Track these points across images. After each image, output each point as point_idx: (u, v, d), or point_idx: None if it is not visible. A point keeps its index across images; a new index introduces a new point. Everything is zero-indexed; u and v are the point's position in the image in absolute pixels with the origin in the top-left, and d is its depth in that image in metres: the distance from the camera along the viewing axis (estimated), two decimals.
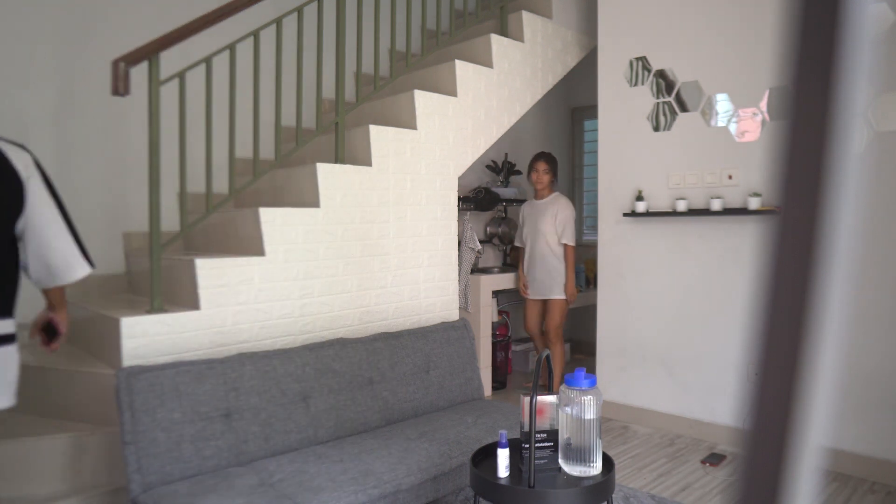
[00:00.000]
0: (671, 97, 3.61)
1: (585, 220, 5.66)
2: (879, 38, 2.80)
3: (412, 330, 3.02)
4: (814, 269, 0.25)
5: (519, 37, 3.90)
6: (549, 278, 4.08)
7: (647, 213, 3.64)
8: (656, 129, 3.67)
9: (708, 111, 3.47)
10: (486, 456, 2.08)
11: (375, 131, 3.12)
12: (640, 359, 3.75)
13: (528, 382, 4.59)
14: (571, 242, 4.05)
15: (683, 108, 3.57)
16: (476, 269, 4.47)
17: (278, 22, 2.85)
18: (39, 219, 1.77)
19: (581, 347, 5.50)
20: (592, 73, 4.97)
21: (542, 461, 1.96)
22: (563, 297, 4.07)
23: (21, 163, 1.74)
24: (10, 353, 1.77)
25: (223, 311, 2.58)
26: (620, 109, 3.83)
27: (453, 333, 3.12)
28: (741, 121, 3.34)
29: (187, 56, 2.82)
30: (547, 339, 4.18)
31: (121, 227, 3.33)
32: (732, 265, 3.37)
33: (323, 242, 2.90)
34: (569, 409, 1.92)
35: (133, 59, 2.39)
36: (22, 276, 1.89)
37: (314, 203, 2.90)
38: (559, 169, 4.32)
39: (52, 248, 1.81)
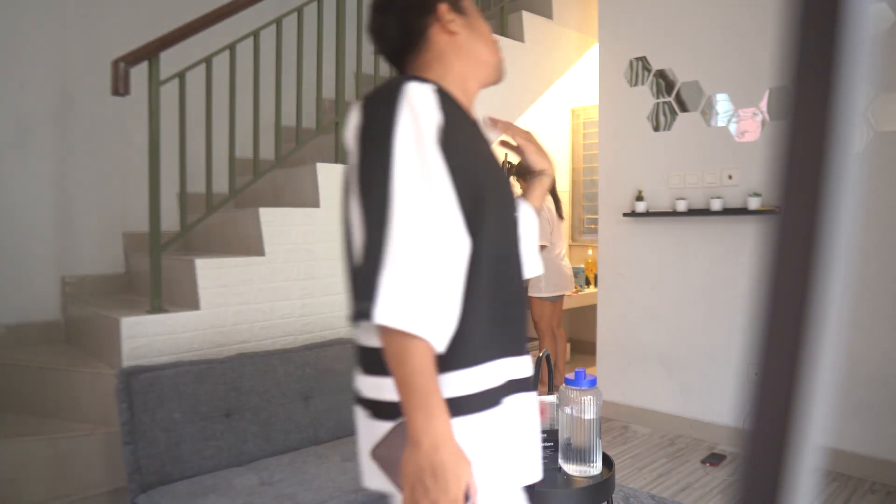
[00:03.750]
0: (671, 97, 3.60)
1: (585, 220, 5.67)
2: (879, 38, 2.80)
3: None
4: (814, 269, 0.25)
5: (519, 37, 3.89)
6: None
7: (647, 213, 3.63)
8: (656, 129, 3.67)
9: (708, 111, 3.47)
10: None
11: None
12: (640, 359, 3.75)
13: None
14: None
15: (683, 108, 3.56)
16: None
17: (278, 22, 2.85)
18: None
19: (581, 347, 5.50)
20: (592, 73, 4.97)
21: (542, 461, 1.96)
22: (538, 295, 4.08)
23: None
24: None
25: (223, 312, 2.58)
26: (620, 109, 3.83)
27: None
28: (741, 121, 3.34)
29: (187, 56, 2.82)
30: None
31: (121, 227, 3.33)
32: (732, 265, 3.37)
33: (323, 242, 2.90)
34: (569, 409, 1.92)
35: (133, 59, 2.39)
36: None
37: (314, 203, 2.90)
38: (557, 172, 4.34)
39: None
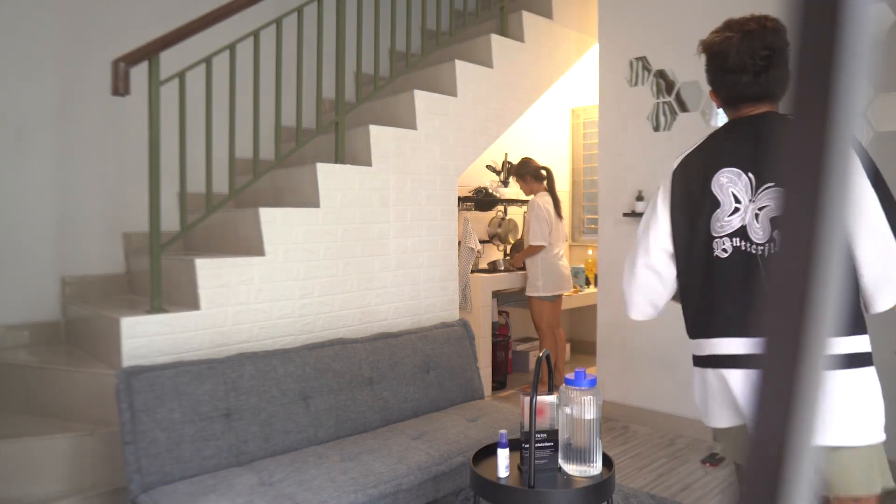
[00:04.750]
0: (671, 97, 3.60)
1: (585, 220, 5.67)
2: (879, 38, 2.80)
3: (412, 330, 3.02)
4: (814, 268, 0.25)
5: (519, 37, 3.89)
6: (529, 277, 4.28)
7: None
8: (656, 129, 3.67)
9: (708, 111, 3.46)
10: (486, 456, 2.08)
11: (375, 131, 3.12)
12: (640, 359, 3.75)
13: (526, 386, 4.60)
14: (533, 242, 4.14)
15: (683, 108, 3.56)
16: (476, 269, 4.47)
17: (278, 22, 2.85)
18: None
19: (581, 347, 5.50)
20: (592, 73, 4.97)
21: (542, 461, 1.96)
22: (536, 295, 4.17)
23: None
24: (869, 375, 1.47)
25: (223, 311, 2.58)
26: (620, 109, 3.83)
27: (453, 333, 3.12)
28: None
29: (187, 56, 2.82)
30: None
31: (121, 227, 3.33)
32: None
33: (323, 242, 2.90)
34: (569, 409, 1.92)
35: (133, 59, 2.39)
36: None
37: (314, 203, 2.90)
38: (552, 172, 4.45)
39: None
